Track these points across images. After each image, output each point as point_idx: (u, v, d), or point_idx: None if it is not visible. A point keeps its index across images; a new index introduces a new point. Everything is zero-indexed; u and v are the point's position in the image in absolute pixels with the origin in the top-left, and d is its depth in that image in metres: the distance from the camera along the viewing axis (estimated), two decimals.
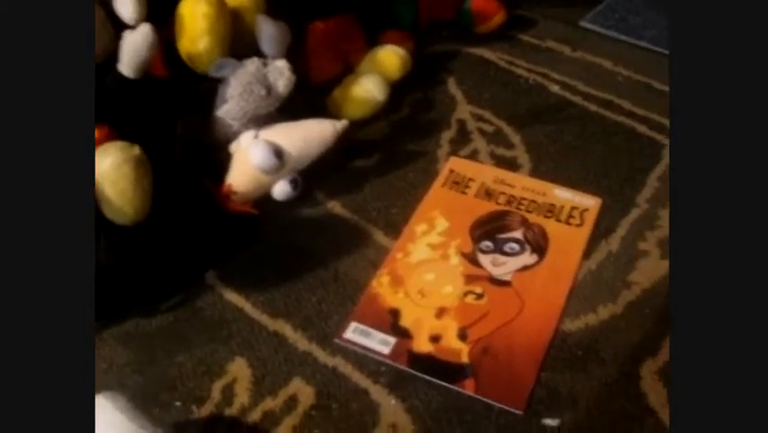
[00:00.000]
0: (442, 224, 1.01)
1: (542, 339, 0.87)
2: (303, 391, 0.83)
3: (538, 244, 0.98)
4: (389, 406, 0.82)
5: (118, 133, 0.89)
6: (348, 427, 0.80)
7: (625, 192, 1.06)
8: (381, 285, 0.94)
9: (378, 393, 0.83)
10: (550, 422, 0.80)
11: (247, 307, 0.92)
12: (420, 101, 1.23)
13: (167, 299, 0.92)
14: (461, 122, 1.19)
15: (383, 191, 1.07)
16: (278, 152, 0.99)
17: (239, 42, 1.04)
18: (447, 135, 1.16)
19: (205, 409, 0.82)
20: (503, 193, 1.05)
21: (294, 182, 1.02)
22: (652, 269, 0.96)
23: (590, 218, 1.02)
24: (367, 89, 1.13)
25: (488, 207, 1.04)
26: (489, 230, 1.00)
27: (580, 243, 0.99)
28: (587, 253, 0.98)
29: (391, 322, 0.89)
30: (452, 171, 1.09)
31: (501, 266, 0.96)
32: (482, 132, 1.17)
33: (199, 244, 0.95)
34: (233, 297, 0.93)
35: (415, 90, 1.24)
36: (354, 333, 0.88)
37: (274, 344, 0.88)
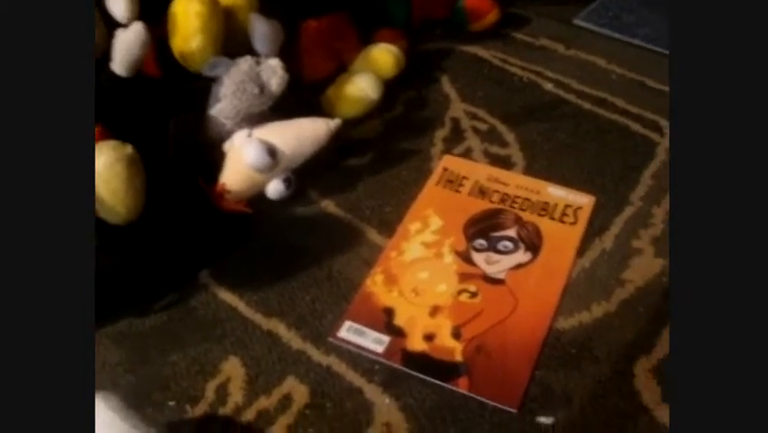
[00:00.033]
0: (435, 222, 1.01)
1: (536, 337, 0.87)
2: (297, 390, 0.83)
3: (532, 243, 0.98)
4: (383, 405, 0.82)
5: (111, 132, 0.89)
6: (342, 426, 0.80)
7: (618, 190, 1.06)
8: (375, 284, 0.93)
9: (372, 392, 0.83)
10: (544, 420, 0.80)
11: (241, 306, 0.92)
12: (414, 99, 1.23)
13: (160, 299, 0.91)
14: (454, 120, 1.19)
15: (377, 190, 1.07)
16: (272, 151, 0.99)
17: (232, 41, 1.04)
18: (441, 134, 1.16)
19: (199, 409, 0.81)
20: (497, 191, 1.05)
21: (287, 181, 1.02)
22: (645, 267, 0.96)
23: (584, 216, 1.02)
24: (360, 88, 1.13)
25: (481, 205, 1.04)
26: (483, 228, 1.00)
27: (574, 241, 0.99)
28: (581, 252, 0.98)
29: (385, 321, 0.89)
30: (445, 170, 1.09)
31: (495, 264, 0.96)
32: (476, 130, 1.17)
33: (193, 243, 0.94)
34: (226, 296, 0.93)
35: (408, 89, 1.24)
36: (348, 332, 0.88)
37: (268, 343, 0.88)
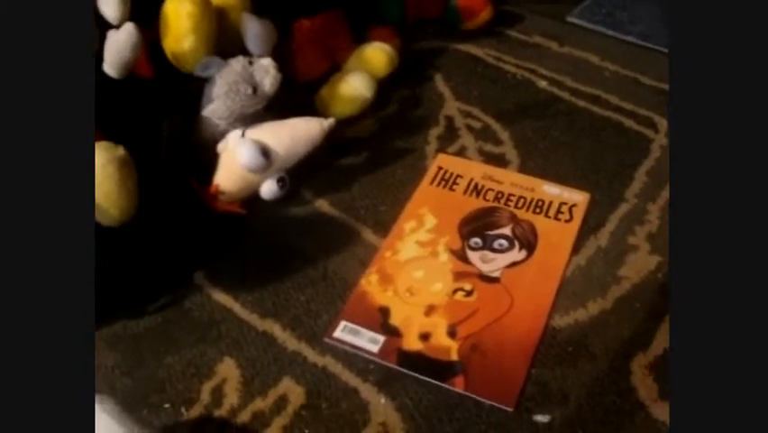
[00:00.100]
0: (430, 221, 1.01)
1: (531, 336, 0.87)
2: (293, 390, 0.83)
3: (527, 240, 0.98)
4: (379, 404, 0.81)
5: (103, 133, 0.88)
6: (338, 426, 0.80)
7: (613, 187, 1.06)
8: (370, 283, 0.93)
9: (367, 392, 0.83)
10: (540, 418, 0.80)
11: (236, 307, 0.91)
12: (408, 98, 1.23)
13: (154, 301, 0.91)
14: (448, 118, 1.19)
15: (371, 189, 1.07)
16: (266, 151, 0.99)
17: (224, 41, 1.03)
18: (435, 132, 1.16)
19: (195, 411, 0.81)
20: (491, 189, 1.05)
21: (281, 181, 1.02)
22: (641, 263, 0.96)
23: (579, 214, 1.02)
24: (354, 87, 1.13)
25: (476, 203, 1.03)
26: (478, 227, 1.00)
27: (569, 238, 0.99)
28: (576, 249, 0.97)
29: (380, 320, 0.89)
30: (440, 168, 1.09)
31: (490, 263, 0.95)
32: (470, 128, 1.17)
33: (187, 244, 0.94)
34: (221, 297, 0.92)
35: (402, 87, 1.23)
36: (344, 332, 0.88)
37: (263, 344, 0.87)
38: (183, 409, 0.81)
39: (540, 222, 1.01)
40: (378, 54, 1.19)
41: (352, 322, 0.89)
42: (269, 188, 1.02)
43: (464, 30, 1.36)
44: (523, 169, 1.10)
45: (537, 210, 1.02)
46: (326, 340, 0.87)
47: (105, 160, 0.84)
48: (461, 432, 0.79)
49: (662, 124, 1.16)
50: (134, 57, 0.95)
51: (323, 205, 1.04)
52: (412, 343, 0.87)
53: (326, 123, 1.02)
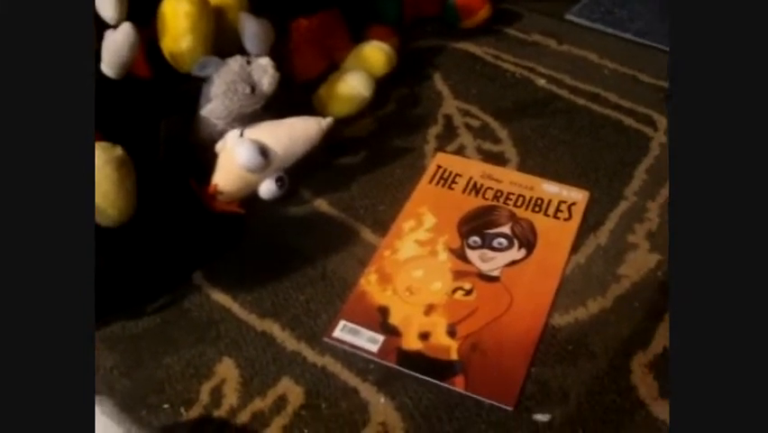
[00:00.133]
0: (429, 220, 1.01)
1: (531, 334, 0.87)
2: (292, 390, 0.83)
3: (526, 239, 0.98)
4: (379, 404, 0.81)
5: (101, 133, 0.88)
6: (338, 426, 0.80)
7: (613, 185, 1.06)
8: (369, 283, 0.93)
9: (367, 392, 0.82)
10: (541, 417, 0.80)
11: (235, 307, 0.91)
12: (406, 97, 1.23)
13: (153, 301, 0.91)
14: (447, 117, 1.19)
15: (370, 188, 1.06)
16: (264, 151, 0.98)
17: (222, 41, 1.03)
18: (434, 131, 1.16)
19: (194, 411, 0.81)
20: (490, 188, 1.05)
21: (280, 181, 1.02)
22: (641, 262, 0.95)
23: (579, 212, 1.02)
24: (352, 86, 1.12)
25: (475, 202, 1.03)
26: (477, 225, 1.00)
27: (569, 237, 0.98)
28: (575, 247, 0.97)
29: (380, 320, 0.89)
30: (439, 167, 1.08)
31: (490, 261, 0.95)
32: (469, 127, 1.17)
33: (185, 244, 0.94)
34: (220, 297, 0.92)
35: (400, 86, 1.23)
36: (343, 331, 0.88)
37: (262, 344, 0.87)
38: (182, 410, 0.81)
39: (539, 220, 1.00)
40: (376, 53, 1.19)
41: (352, 322, 0.89)
42: (267, 188, 1.01)
43: (463, 28, 1.35)
44: (522, 167, 1.09)
45: (536, 209, 1.02)
46: (326, 340, 0.87)
47: (103, 160, 0.84)
48: (460, 431, 0.79)
49: (662, 121, 1.16)
50: (132, 57, 0.95)
51: (321, 204, 1.04)
52: (411, 342, 0.87)
53: (324, 122, 1.02)
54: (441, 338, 0.87)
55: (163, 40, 1.00)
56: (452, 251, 0.97)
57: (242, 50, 1.03)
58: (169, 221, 0.92)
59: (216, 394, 0.82)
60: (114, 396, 0.81)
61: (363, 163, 1.10)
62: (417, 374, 0.83)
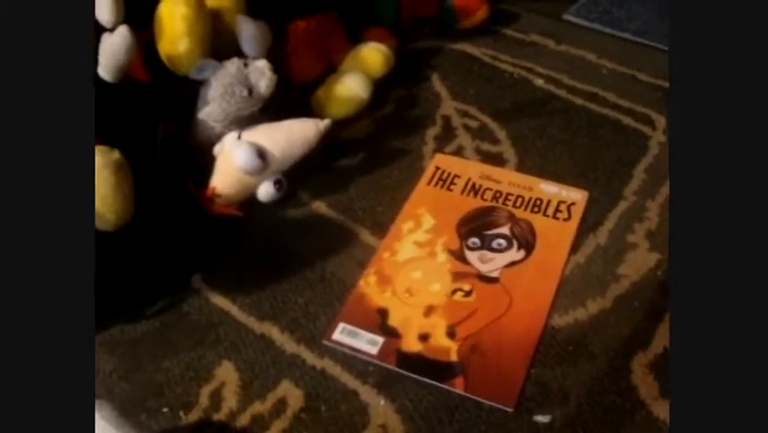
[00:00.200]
0: (428, 221, 1.01)
1: (531, 335, 0.87)
2: (292, 393, 0.82)
3: (526, 240, 0.98)
4: (379, 406, 0.81)
5: (98, 137, 0.88)
6: (338, 429, 0.79)
7: (612, 185, 1.06)
8: (369, 285, 0.93)
9: (367, 394, 0.82)
10: (541, 419, 0.80)
11: (233, 310, 0.91)
12: (404, 98, 1.22)
13: (152, 304, 0.91)
14: (445, 118, 1.19)
15: (368, 190, 1.06)
16: (262, 154, 0.98)
17: (219, 43, 1.03)
18: (432, 132, 1.16)
19: (194, 415, 0.81)
20: (489, 189, 1.05)
21: (278, 183, 1.01)
22: (640, 261, 0.95)
23: (578, 212, 1.01)
24: (350, 88, 1.12)
25: (474, 203, 1.03)
26: (476, 227, 1.00)
27: (568, 237, 0.98)
28: (575, 248, 0.97)
29: (379, 322, 0.89)
30: (437, 168, 1.08)
31: (489, 263, 0.95)
32: (467, 127, 1.17)
33: (184, 247, 0.94)
34: (219, 300, 0.92)
35: (398, 87, 1.23)
36: (342, 334, 0.87)
37: (261, 347, 0.87)
38: (182, 414, 0.81)
39: (538, 221, 1.00)
40: (374, 54, 1.18)
41: (351, 324, 0.88)
42: (265, 191, 1.01)
43: (460, 29, 1.35)
44: (520, 168, 1.09)
45: (535, 209, 1.02)
46: (325, 342, 0.87)
47: (101, 164, 0.83)
48: None
49: (660, 121, 1.16)
50: (129, 60, 0.95)
51: (320, 206, 1.04)
52: (411, 344, 0.86)
53: (322, 124, 1.02)
54: (440, 340, 0.87)
55: (160, 43, 1.00)
56: (451, 252, 0.96)
57: (239, 53, 1.03)
58: (167, 224, 0.92)
59: (216, 397, 0.82)
60: (113, 400, 0.81)
61: (361, 165, 1.10)
62: (417, 376, 0.83)
